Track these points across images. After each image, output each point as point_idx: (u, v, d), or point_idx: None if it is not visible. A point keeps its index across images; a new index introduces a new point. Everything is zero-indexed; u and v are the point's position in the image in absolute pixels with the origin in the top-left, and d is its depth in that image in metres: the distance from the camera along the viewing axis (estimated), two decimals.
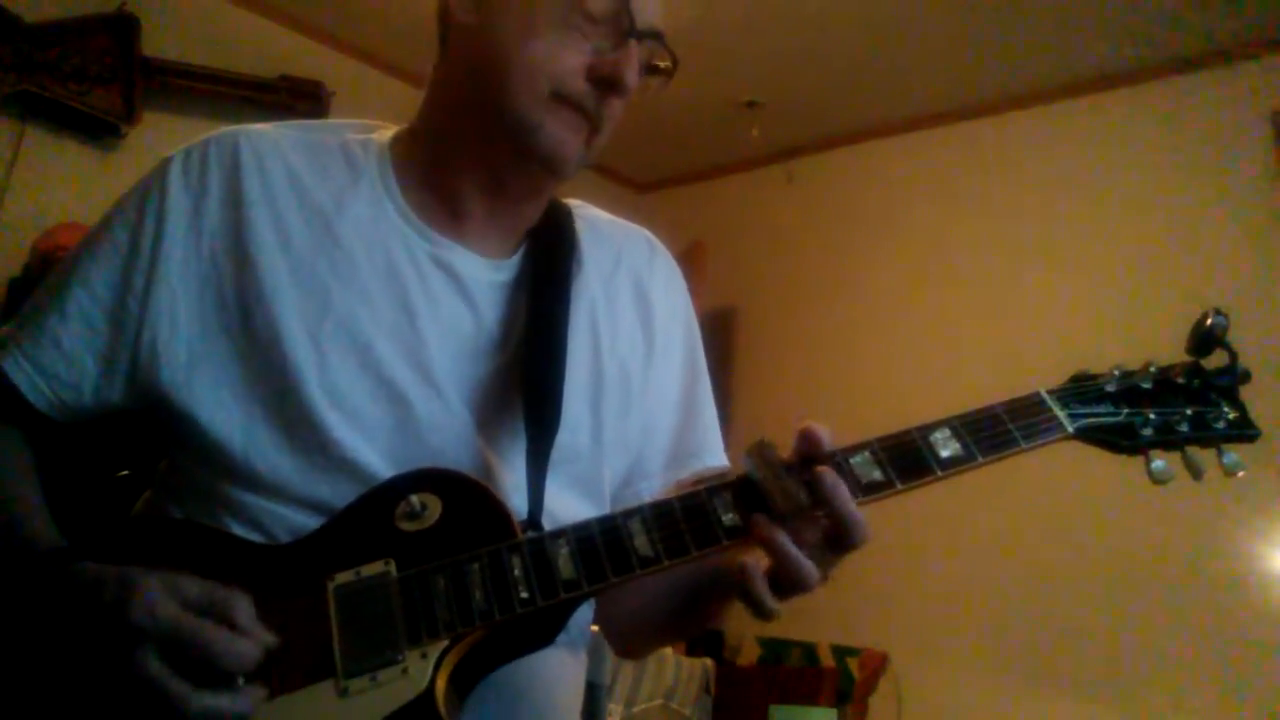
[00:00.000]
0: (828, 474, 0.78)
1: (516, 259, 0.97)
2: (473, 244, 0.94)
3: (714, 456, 1.08)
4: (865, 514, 0.80)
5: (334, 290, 0.87)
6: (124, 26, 2.87)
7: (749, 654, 3.63)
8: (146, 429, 0.93)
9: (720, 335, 4.05)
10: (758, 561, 0.79)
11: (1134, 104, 3.27)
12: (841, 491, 0.78)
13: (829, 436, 0.81)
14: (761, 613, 0.80)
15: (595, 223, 1.09)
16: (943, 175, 3.68)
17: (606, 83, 0.88)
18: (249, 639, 0.70)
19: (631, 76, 0.88)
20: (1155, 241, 3.12)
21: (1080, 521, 2.92)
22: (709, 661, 3.23)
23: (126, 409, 0.88)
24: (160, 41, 2.95)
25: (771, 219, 4.14)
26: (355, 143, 0.96)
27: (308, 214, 0.90)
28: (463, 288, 0.92)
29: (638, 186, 4.65)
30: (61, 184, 2.81)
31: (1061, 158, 3.40)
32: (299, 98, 3.22)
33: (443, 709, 0.74)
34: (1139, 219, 3.17)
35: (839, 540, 0.79)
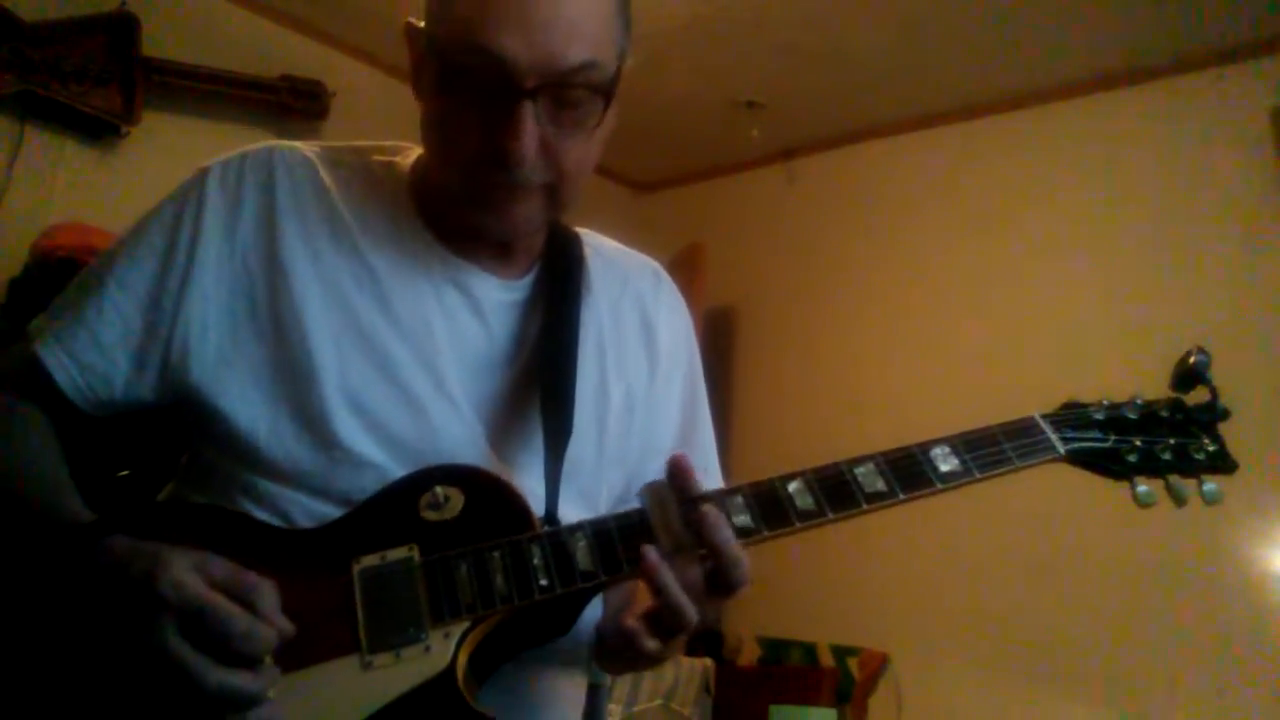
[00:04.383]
0: (710, 511, 0.80)
1: (528, 280, 1.01)
2: (486, 265, 0.98)
3: (711, 480, 1.10)
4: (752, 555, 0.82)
5: (357, 301, 0.92)
6: (124, 26, 2.86)
7: (749, 654, 3.63)
8: (147, 429, 0.96)
9: (720, 335, 4.05)
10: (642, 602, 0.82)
11: (1134, 104, 3.27)
12: (723, 529, 0.80)
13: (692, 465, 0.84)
14: (635, 648, 0.81)
15: (604, 250, 1.13)
16: (943, 175, 3.67)
17: (498, 158, 0.85)
18: (268, 625, 0.72)
19: (518, 146, 0.83)
20: (1155, 240, 3.12)
21: (1080, 522, 2.92)
22: (709, 661, 3.23)
23: (153, 405, 0.92)
24: (160, 41, 2.94)
25: (771, 219, 4.14)
26: (379, 164, 1.00)
27: (335, 228, 0.94)
28: (476, 305, 0.97)
29: (638, 186, 4.65)
30: (61, 184, 2.80)
31: (1061, 158, 3.39)
32: (299, 98, 3.21)
33: (463, 687, 0.77)
34: (1139, 218, 3.17)
35: (719, 577, 0.81)
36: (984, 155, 3.59)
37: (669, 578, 0.79)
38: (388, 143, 1.04)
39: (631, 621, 0.81)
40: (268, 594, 0.73)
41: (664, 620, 0.80)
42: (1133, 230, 3.17)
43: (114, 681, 0.72)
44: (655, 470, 1.05)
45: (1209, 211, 3.04)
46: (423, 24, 0.92)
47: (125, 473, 1.00)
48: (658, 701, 2.90)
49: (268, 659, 0.72)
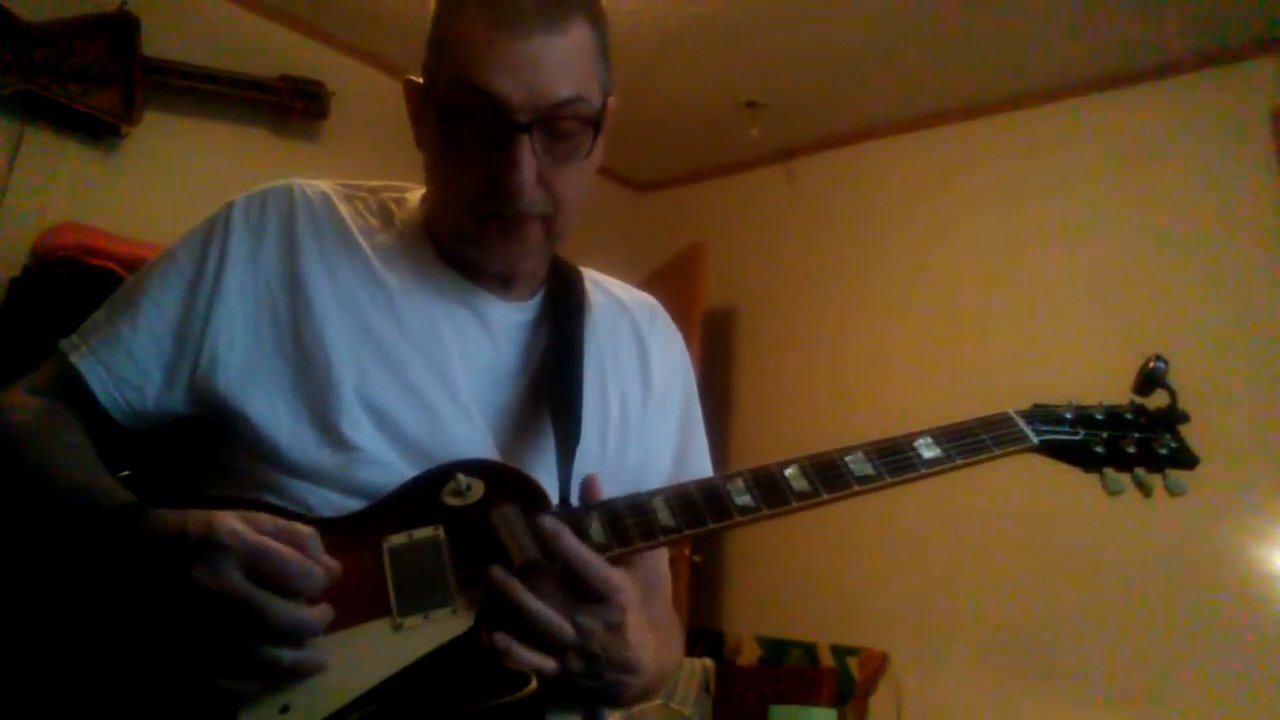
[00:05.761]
0: (546, 519, 0.85)
1: (534, 303, 1.08)
2: (493, 289, 1.05)
3: None
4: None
5: (373, 317, 0.99)
6: (124, 26, 2.87)
7: (749, 654, 3.64)
8: (148, 433, 0.99)
9: (720, 335, 4.05)
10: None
11: (1134, 104, 3.27)
12: (563, 537, 0.83)
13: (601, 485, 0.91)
14: (512, 662, 0.82)
15: (603, 284, 1.20)
16: (943, 175, 3.68)
17: (499, 192, 0.93)
18: (318, 564, 0.78)
19: (517, 176, 0.91)
20: (1155, 241, 3.12)
21: (1081, 522, 2.92)
22: (709, 661, 3.23)
23: (182, 415, 0.98)
24: (160, 41, 2.95)
25: (771, 219, 4.14)
26: (390, 200, 1.09)
27: (351, 252, 1.02)
28: (485, 323, 1.04)
29: (638, 186, 4.65)
30: (61, 184, 2.80)
31: (1061, 158, 3.40)
32: (299, 98, 3.21)
33: (486, 644, 0.82)
34: (1139, 218, 3.17)
35: (577, 589, 0.84)
36: (983, 155, 3.59)
37: (521, 591, 0.82)
38: (396, 183, 1.12)
39: (500, 636, 0.82)
40: (314, 538, 0.79)
41: (532, 635, 0.83)
42: (1133, 230, 3.17)
43: (172, 631, 0.77)
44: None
45: (1209, 211, 3.04)
46: (420, 80, 0.99)
47: (126, 473, 1.01)
48: (657, 701, 2.90)
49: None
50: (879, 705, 3.28)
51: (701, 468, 1.17)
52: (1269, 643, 2.68)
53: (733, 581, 3.82)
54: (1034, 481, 2.89)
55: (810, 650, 3.46)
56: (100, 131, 2.86)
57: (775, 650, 3.57)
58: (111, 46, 2.84)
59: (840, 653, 3.38)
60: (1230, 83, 3.08)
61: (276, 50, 3.28)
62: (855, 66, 3.46)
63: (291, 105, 3.20)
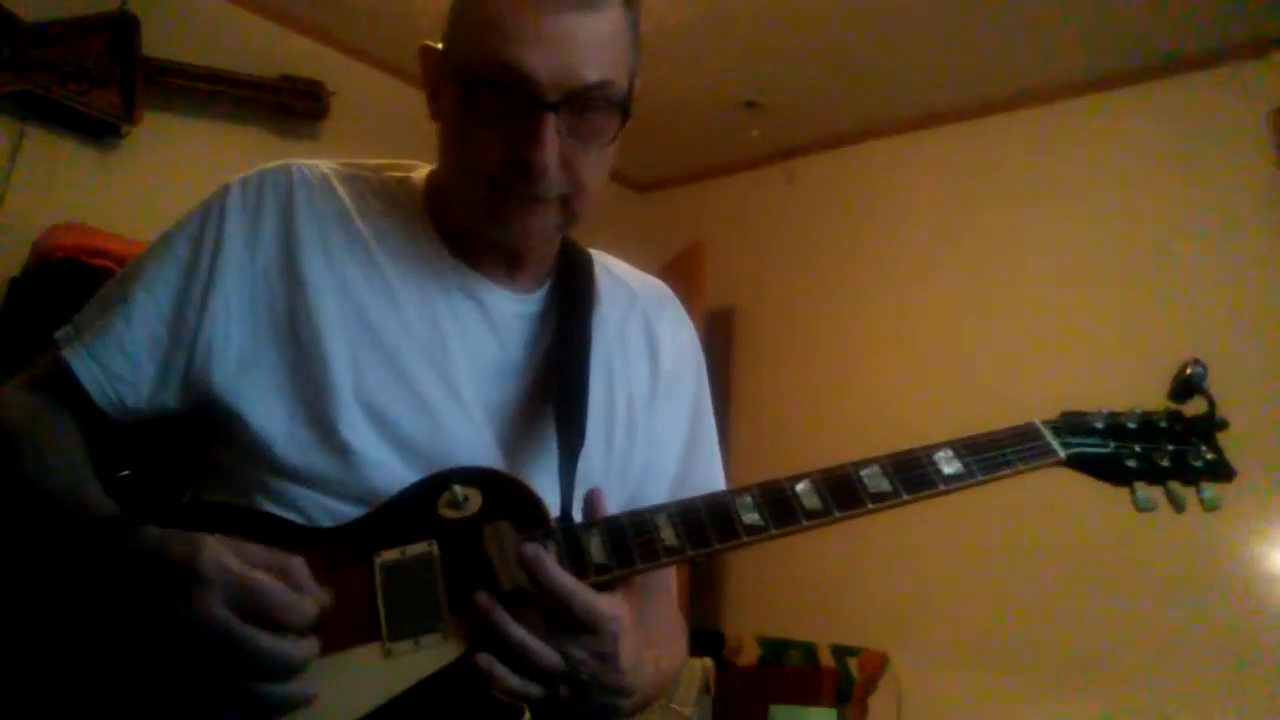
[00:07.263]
0: (528, 546, 0.80)
1: (540, 294, 1.04)
2: (499, 278, 1.02)
3: None
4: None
5: (372, 311, 0.95)
6: (124, 26, 2.87)
7: (749, 654, 3.64)
8: (149, 432, 0.97)
9: (720, 335, 4.05)
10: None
11: (1133, 104, 3.27)
12: (545, 567, 0.79)
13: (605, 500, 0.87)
14: (496, 687, 0.78)
15: (613, 270, 1.16)
16: (943, 175, 3.68)
17: (521, 170, 0.89)
18: (307, 595, 0.76)
19: (541, 155, 0.87)
20: (1155, 241, 3.12)
21: (1080, 522, 2.92)
22: (709, 661, 3.23)
23: (176, 411, 0.95)
24: (160, 41, 2.95)
25: (771, 219, 4.14)
26: (393, 180, 1.04)
27: (351, 240, 0.97)
28: (489, 317, 1.00)
29: (638, 186, 4.65)
30: (61, 184, 2.80)
31: (1061, 157, 3.39)
32: (299, 98, 3.22)
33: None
34: (1138, 218, 3.17)
35: (559, 619, 0.79)
36: (984, 155, 3.59)
37: (505, 620, 0.79)
38: (400, 160, 1.08)
39: (484, 657, 0.78)
40: (303, 569, 0.77)
41: (516, 664, 0.79)
42: (1132, 230, 3.17)
43: (155, 661, 0.75)
44: (656, 489, 1.08)
45: (1208, 211, 3.04)
46: (440, 46, 0.95)
47: (125, 473, 1.00)
48: (658, 701, 2.90)
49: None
50: (879, 705, 3.28)
51: (710, 457, 1.13)
52: (1271, 644, 2.68)
53: (733, 581, 3.82)
54: (1038, 483, 2.90)
55: (810, 650, 3.46)
56: (100, 131, 2.86)
57: (775, 650, 3.57)
58: (111, 46, 2.84)
59: (840, 653, 3.38)
60: (1230, 83, 3.08)
61: (276, 50, 3.28)
62: (855, 66, 3.46)
63: (291, 105, 3.20)
